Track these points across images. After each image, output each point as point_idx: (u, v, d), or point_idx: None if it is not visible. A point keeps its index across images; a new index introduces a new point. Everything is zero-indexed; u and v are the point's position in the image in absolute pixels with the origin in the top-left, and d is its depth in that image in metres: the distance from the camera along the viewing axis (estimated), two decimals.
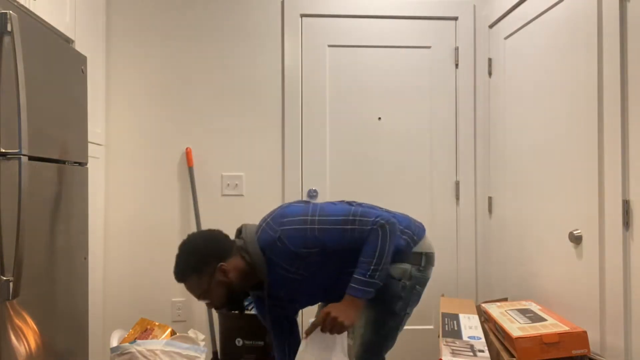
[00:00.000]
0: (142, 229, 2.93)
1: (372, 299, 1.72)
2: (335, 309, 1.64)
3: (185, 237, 1.85)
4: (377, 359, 1.84)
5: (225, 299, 1.76)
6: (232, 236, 1.88)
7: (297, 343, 1.98)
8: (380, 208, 1.92)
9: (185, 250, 1.77)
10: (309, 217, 1.70)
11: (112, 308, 2.91)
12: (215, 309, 1.81)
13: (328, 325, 1.64)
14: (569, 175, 2.13)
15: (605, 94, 1.91)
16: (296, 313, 2.01)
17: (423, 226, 1.96)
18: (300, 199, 2.97)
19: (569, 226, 2.11)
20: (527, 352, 1.77)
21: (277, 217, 1.74)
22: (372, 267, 1.65)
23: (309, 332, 1.68)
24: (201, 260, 1.74)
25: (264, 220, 1.78)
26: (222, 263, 1.73)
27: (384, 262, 1.66)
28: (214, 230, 1.81)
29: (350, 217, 1.69)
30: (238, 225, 3.00)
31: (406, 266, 1.83)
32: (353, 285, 1.66)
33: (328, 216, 1.71)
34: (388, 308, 1.81)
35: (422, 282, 1.88)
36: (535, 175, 2.40)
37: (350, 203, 1.85)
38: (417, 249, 1.87)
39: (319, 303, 2.08)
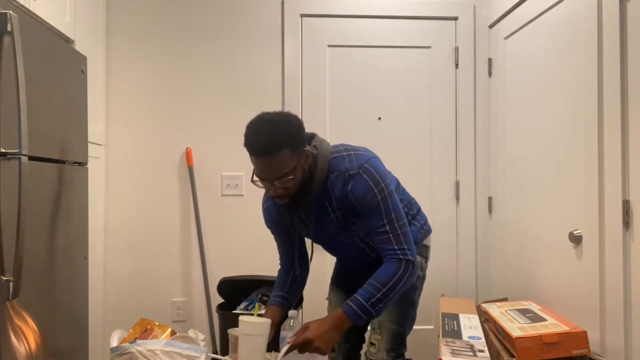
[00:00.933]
0: (142, 229, 2.93)
1: None
2: (316, 334, 1.55)
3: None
4: (404, 347, 1.90)
5: (298, 188, 1.60)
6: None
7: (305, 255, 1.92)
8: (415, 203, 2.00)
9: (282, 120, 1.56)
10: (382, 185, 1.63)
11: (112, 308, 2.90)
12: (282, 197, 1.61)
13: (305, 349, 1.56)
14: (569, 175, 2.13)
15: (605, 94, 1.91)
16: (306, 235, 1.89)
17: (416, 257, 1.93)
18: None
19: (569, 226, 2.11)
20: (527, 352, 1.77)
21: (362, 158, 1.67)
22: (377, 296, 1.59)
23: (288, 351, 1.57)
24: (297, 136, 1.56)
25: (346, 148, 1.71)
26: (307, 148, 1.61)
27: (389, 298, 1.61)
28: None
29: (396, 225, 1.64)
30: (238, 225, 3.01)
31: (419, 257, 1.86)
32: (350, 304, 1.60)
33: (390, 203, 1.64)
34: (409, 299, 1.87)
35: (426, 273, 1.99)
36: (535, 175, 2.40)
37: (408, 205, 1.90)
38: (425, 242, 1.99)
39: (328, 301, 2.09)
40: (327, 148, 1.68)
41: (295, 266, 1.89)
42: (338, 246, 1.85)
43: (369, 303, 1.59)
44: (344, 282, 2.01)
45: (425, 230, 1.99)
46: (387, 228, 1.63)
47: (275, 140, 1.51)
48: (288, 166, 1.54)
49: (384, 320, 1.85)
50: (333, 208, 1.69)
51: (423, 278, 1.97)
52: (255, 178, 1.60)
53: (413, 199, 2.01)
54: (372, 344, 1.87)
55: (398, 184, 1.92)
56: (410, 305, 1.90)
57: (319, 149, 1.66)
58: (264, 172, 1.56)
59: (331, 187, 1.66)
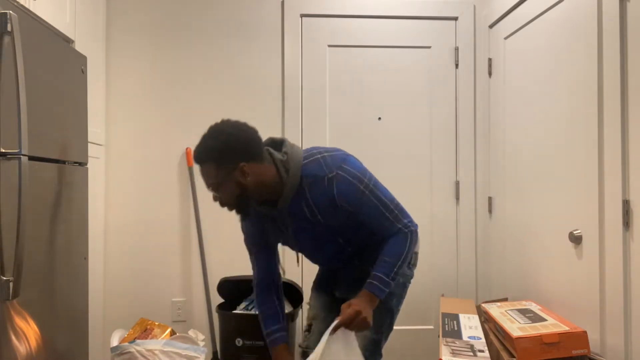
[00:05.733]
0: (142, 229, 2.93)
1: None
2: (362, 307, 1.61)
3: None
4: (378, 355, 1.86)
5: (234, 200, 1.66)
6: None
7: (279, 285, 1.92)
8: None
9: (214, 134, 1.64)
10: (365, 180, 1.67)
11: (112, 308, 2.91)
12: (221, 204, 1.69)
13: (357, 323, 1.61)
14: (569, 175, 2.13)
15: (605, 94, 1.91)
16: (287, 244, 1.89)
17: (416, 224, 1.96)
18: None
19: (569, 226, 2.11)
20: (527, 352, 1.77)
21: (337, 159, 1.69)
22: (395, 270, 1.66)
23: (336, 329, 1.63)
24: (226, 152, 1.62)
25: (319, 152, 1.72)
26: (244, 163, 1.63)
27: (403, 267, 1.68)
28: (249, 127, 1.67)
29: (392, 207, 1.69)
30: (238, 225, 3.00)
31: None
32: (374, 282, 1.65)
33: (379, 192, 1.69)
34: (386, 306, 1.81)
35: (410, 279, 1.90)
36: (535, 175, 2.40)
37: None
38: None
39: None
40: (298, 153, 1.71)
41: (274, 284, 1.90)
42: (319, 249, 1.84)
43: (390, 277, 1.66)
44: (325, 286, 1.99)
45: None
46: (386, 214, 1.68)
47: (202, 154, 1.64)
48: (215, 178, 1.64)
49: None
50: (313, 212, 1.70)
51: (403, 286, 1.88)
52: None
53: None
54: None
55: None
56: (389, 312, 1.84)
57: (289, 155, 1.69)
58: (203, 179, 1.68)
59: (308, 192, 1.68)
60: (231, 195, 1.66)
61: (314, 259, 1.93)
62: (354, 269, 1.87)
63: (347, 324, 1.61)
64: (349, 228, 1.76)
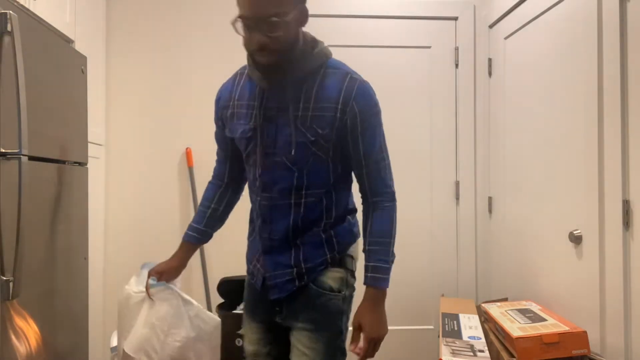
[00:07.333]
0: (142, 229, 2.93)
1: (316, 329, 1.44)
2: (372, 329, 1.41)
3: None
4: None
5: (287, 47, 1.35)
6: None
7: (241, 172, 1.71)
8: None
9: None
10: (379, 109, 1.47)
11: (112, 308, 2.90)
12: (264, 49, 1.31)
13: (375, 348, 1.43)
14: (569, 175, 2.13)
15: (605, 94, 1.91)
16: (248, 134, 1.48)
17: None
18: None
19: (569, 226, 2.11)
20: (527, 352, 1.77)
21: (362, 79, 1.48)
22: (391, 250, 1.44)
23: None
24: None
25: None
26: (305, 6, 1.37)
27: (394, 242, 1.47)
28: None
29: (385, 155, 1.47)
30: (238, 225, 3.01)
31: (342, 273, 1.50)
32: (379, 275, 1.42)
33: (382, 131, 1.47)
34: (335, 330, 1.48)
35: (354, 290, 1.55)
36: (535, 175, 2.40)
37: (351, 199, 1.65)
38: (351, 251, 1.54)
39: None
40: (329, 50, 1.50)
41: (225, 185, 1.73)
42: (272, 168, 1.45)
43: (390, 261, 1.44)
44: (261, 311, 1.57)
45: (355, 233, 1.56)
46: (383, 155, 1.46)
47: None
48: (280, 7, 1.28)
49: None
50: (306, 106, 1.41)
51: (350, 299, 1.51)
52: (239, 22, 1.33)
53: None
54: None
55: None
56: (339, 335, 1.49)
57: (323, 45, 1.48)
58: (253, 6, 1.27)
59: (320, 80, 1.42)
60: (288, 38, 1.33)
61: (258, 186, 1.50)
62: (288, 265, 1.48)
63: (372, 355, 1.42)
64: (314, 161, 1.43)
